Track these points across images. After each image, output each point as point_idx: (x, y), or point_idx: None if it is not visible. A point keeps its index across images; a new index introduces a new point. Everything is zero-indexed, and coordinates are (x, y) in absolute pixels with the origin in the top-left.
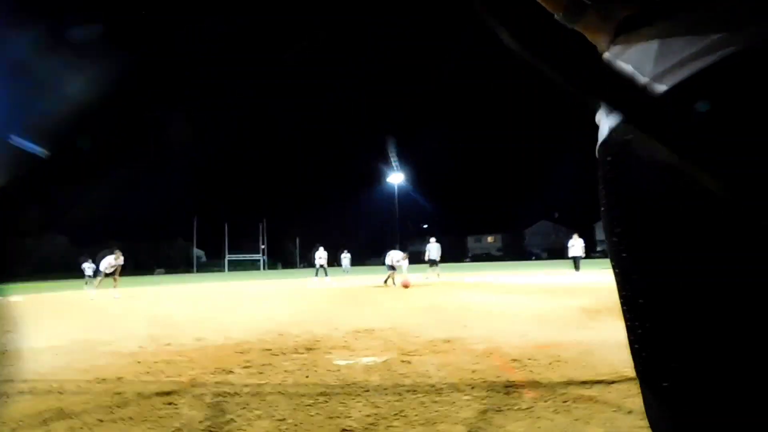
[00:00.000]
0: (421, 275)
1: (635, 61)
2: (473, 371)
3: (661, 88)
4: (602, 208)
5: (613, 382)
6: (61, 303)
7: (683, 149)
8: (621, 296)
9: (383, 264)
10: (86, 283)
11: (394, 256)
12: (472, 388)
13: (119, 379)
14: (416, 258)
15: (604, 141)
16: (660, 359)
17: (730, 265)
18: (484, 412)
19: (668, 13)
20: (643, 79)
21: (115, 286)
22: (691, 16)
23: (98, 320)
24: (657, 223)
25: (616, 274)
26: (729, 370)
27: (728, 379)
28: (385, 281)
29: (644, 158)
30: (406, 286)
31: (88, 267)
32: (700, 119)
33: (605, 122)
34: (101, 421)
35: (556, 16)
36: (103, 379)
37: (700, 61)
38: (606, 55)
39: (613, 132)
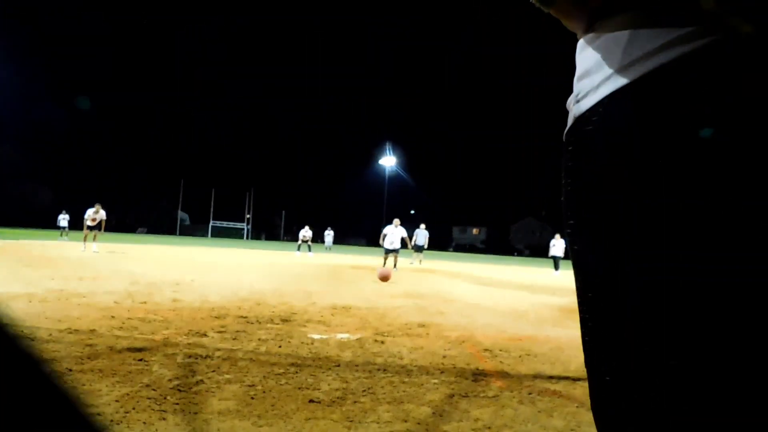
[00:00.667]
0: (406, 260)
1: (605, 49)
2: (444, 357)
3: (624, 80)
4: (561, 198)
5: (579, 379)
6: (40, 252)
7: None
8: (576, 288)
9: (368, 244)
10: (61, 235)
11: (389, 232)
12: (442, 372)
13: (92, 331)
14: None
15: (569, 129)
16: (604, 353)
17: (676, 260)
18: (451, 396)
19: (639, 3)
20: (606, 74)
21: (95, 240)
22: (661, 7)
23: (75, 273)
24: (606, 217)
25: (573, 266)
26: (671, 367)
27: (670, 376)
28: (393, 264)
29: (602, 151)
30: (384, 279)
31: (62, 219)
32: (663, 115)
33: (572, 110)
34: (70, 370)
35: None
36: (76, 330)
37: (665, 54)
38: (580, 42)
39: (577, 121)
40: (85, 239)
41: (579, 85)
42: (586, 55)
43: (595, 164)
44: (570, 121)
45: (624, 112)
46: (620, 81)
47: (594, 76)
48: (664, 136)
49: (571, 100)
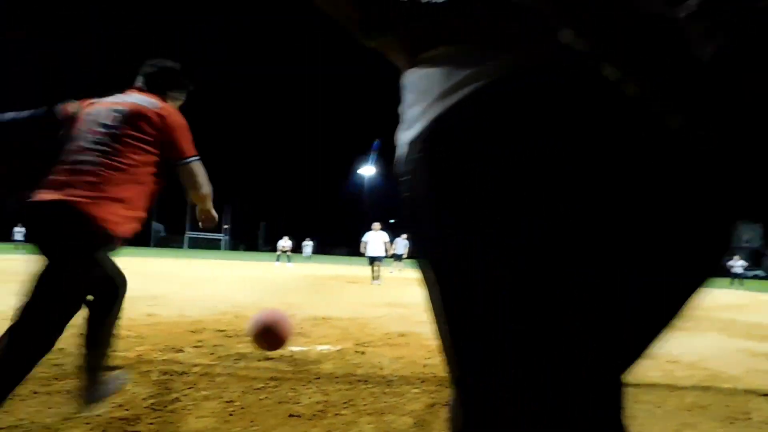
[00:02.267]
0: (386, 269)
1: (427, 79)
2: (425, 365)
3: (443, 106)
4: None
5: None
6: (4, 266)
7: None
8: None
9: (349, 254)
10: (15, 248)
11: (370, 239)
12: (423, 381)
13: (60, 350)
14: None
15: (398, 159)
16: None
17: (495, 280)
18: (432, 405)
19: (456, 37)
20: (427, 102)
21: None
22: (475, 40)
23: None
24: (438, 247)
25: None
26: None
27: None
28: (377, 277)
29: (429, 179)
30: (272, 342)
31: (18, 232)
32: (478, 139)
33: (403, 136)
34: (36, 393)
35: (353, 34)
36: None
37: (475, 83)
38: (405, 73)
39: (405, 150)
40: None
41: (405, 115)
42: (410, 86)
43: (425, 194)
44: (398, 150)
45: (445, 138)
46: (440, 108)
47: (418, 105)
48: (478, 162)
49: (399, 129)
